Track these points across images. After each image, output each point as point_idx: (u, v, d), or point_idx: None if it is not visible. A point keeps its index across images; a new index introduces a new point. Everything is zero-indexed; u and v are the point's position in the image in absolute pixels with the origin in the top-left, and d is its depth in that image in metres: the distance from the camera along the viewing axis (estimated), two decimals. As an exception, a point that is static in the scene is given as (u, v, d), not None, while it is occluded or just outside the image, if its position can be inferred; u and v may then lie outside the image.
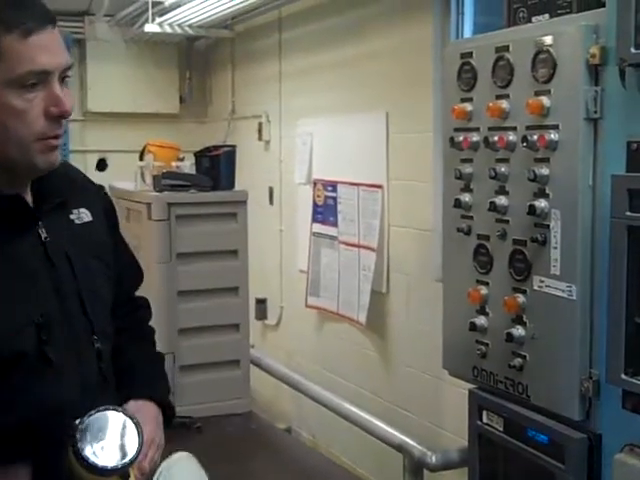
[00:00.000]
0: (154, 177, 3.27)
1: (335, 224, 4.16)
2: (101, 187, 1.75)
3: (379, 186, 3.84)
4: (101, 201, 1.70)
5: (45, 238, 1.49)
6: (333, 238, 4.18)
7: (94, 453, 1.34)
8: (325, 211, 4.27)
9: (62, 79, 1.44)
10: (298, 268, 4.61)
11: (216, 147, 3.43)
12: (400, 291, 3.79)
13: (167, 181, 3.23)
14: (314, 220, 4.36)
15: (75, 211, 1.58)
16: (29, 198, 1.51)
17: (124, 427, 1.39)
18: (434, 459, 2.79)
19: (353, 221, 4.02)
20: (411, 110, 3.64)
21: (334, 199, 4.17)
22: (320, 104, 4.39)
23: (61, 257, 1.51)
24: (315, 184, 4.36)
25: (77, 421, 1.36)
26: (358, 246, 3.97)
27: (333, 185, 4.18)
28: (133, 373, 1.69)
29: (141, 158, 3.50)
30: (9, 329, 1.39)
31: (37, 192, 1.51)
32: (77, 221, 1.57)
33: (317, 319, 4.47)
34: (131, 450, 1.37)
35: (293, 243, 4.71)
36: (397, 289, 3.81)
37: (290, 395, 4.52)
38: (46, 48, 1.40)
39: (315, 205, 4.35)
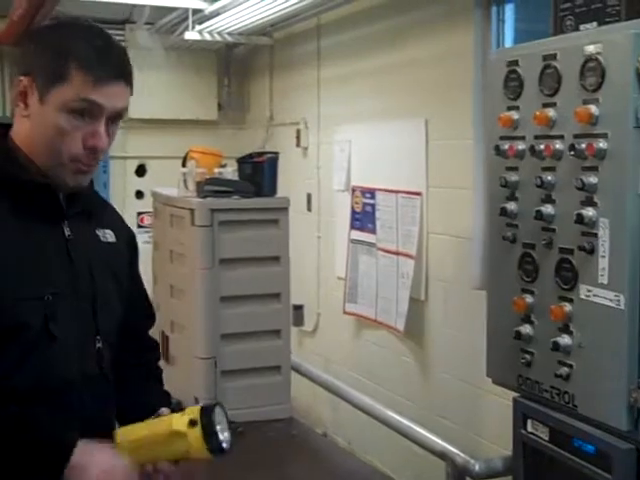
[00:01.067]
0: (197, 183, 3.29)
1: (373, 231, 4.17)
2: (131, 230, 1.84)
3: (418, 193, 3.84)
4: (127, 235, 1.79)
5: (69, 235, 1.58)
6: (371, 245, 4.18)
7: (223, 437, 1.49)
8: (363, 218, 4.28)
9: (112, 120, 1.56)
10: (336, 275, 4.61)
11: (259, 154, 3.45)
12: (438, 299, 3.79)
13: (210, 187, 3.25)
14: (352, 227, 4.37)
15: (101, 230, 1.68)
16: (61, 197, 1.60)
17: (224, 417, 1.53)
18: (477, 467, 2.77)
19: (392, 228, 4.02)
20: (450, 117, 3.64)
21: (372, 206, 4.18)
22: (358, 111, 4.40)
23: (81, 258, 1.59)
24: (353, 191, 4.37)
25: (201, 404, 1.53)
26: (397, 253, 3.97)
27: (371, 192, 4.19)
28: (137, 408, 1.70)
29: (184, 164, 3.52)
30: (13, 299, 1.47)
31: (68, 196, 1.61)
32: (102, 239, 1.68)
33: (355, 326, 4.48)
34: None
35: (331, 250, 4.72)
36: (435, 296, 3.81)
37: (326, 401, 4.53)
38: (109, 93, 1.53)
39: (353, 212, 4.36)
